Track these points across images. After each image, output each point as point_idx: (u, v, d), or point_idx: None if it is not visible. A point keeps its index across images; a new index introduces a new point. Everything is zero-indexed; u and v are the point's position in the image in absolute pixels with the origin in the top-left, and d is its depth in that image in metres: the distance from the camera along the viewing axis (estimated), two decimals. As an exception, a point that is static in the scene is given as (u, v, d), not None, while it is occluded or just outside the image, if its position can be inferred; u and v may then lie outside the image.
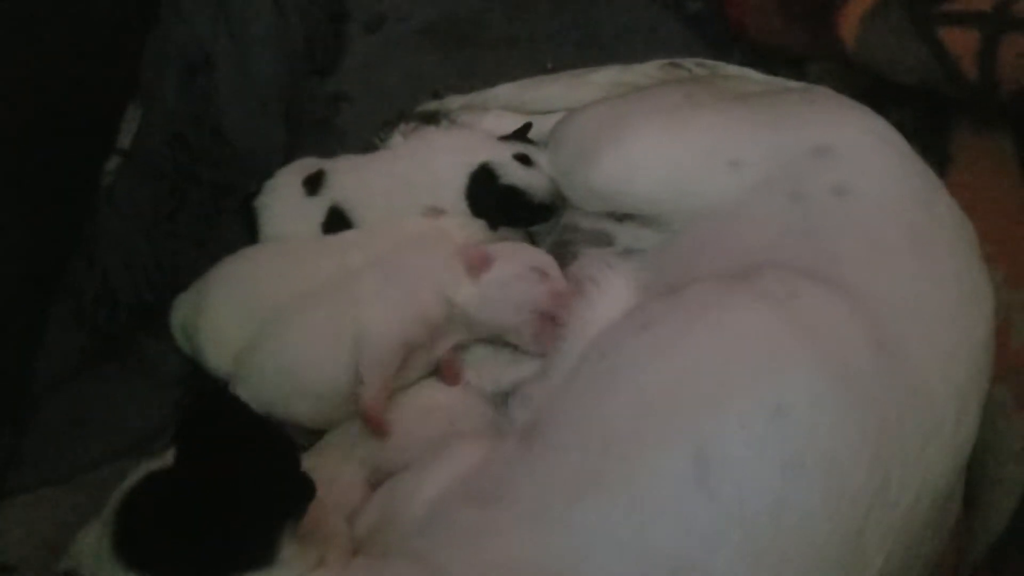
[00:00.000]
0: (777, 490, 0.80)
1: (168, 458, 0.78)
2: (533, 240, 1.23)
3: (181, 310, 1.16)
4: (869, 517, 0.81)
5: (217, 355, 1.12)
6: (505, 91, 1.36)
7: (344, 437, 1.07)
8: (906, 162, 1.02)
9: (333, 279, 1.11)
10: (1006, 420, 1.03)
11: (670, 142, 1.07)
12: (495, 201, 1.18)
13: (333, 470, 1.03)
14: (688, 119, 1.08)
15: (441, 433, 1.04)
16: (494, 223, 1.20)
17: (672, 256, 1.04)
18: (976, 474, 0.99)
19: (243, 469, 0.70)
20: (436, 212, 1.19)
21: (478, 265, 1.09)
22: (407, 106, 1.40)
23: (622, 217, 1.11)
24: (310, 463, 1.02)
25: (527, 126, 1.24)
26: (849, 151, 1.01)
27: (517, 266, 1.10)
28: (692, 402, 0.85)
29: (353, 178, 1.22)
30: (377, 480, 1.03)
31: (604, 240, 1.13)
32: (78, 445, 1.12)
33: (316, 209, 1.21)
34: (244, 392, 1.04)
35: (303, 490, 0.74)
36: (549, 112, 1.32)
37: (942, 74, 1.16)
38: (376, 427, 1.03)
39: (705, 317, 0.90)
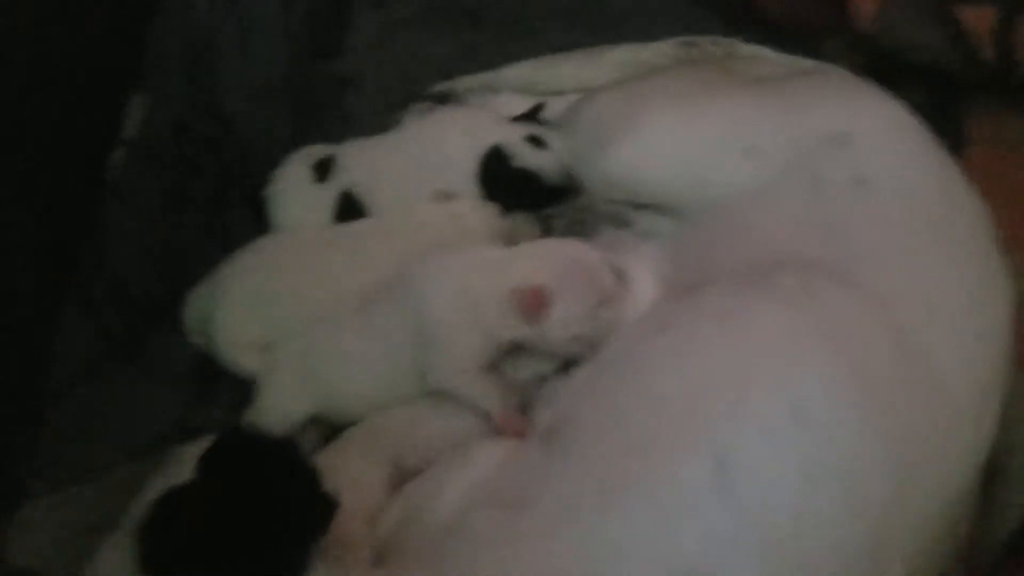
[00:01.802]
0: (798, 498, 0.79)
1: (185, 465, 0.78)
2: (548, 222, 1.22)
3: (195, 305, 1.15)
4: (889, 523, 0.81)
5: (234, 351, 1.12)
6: (517, 71, 1.34)
7: (365, 435, 1.06)
8: (924, 149, 1.01)
9: (361, 278, 1.10)
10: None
11: (685, 130, 1.06)
12: (507, 184, 1.17)
13: (355, 470, 1.01)
14: (703, 106, 1.07)
15: (465, 430, 1.02)
16: (507, 206, 1.18)
17: (690, 248, 1.04)
18: (992, 464, 0.99)
19: (269, 487, 0.69)
20: (447, 196, 1.18)
21: (535, 310, 0.96)
22: (414, 87, 1.37)
23: (639, 205, 1.10)
24: (331, 461, 1.03)
25: (539, 107, 1.22)
26: (867, 139, 1.00)
27: (581, 304, 0.97)
28: (712, 408, 0.84)
29: (363, 162, 1.20)
30: (400, 479, 1.02)
31: (622, 222, 1.13)
32: (94, 446, 1.10)
33: (327, 196, 1.19)
34: (269, 394, 1.03)
35: (328, 507, 0.73)
36: (561, 93, 1.31)
37: (959, 53, 1.15)
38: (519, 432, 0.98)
39: (724, 320, 0.90)
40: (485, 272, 1.00)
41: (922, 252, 0.93)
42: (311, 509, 0.73)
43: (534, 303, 0.96)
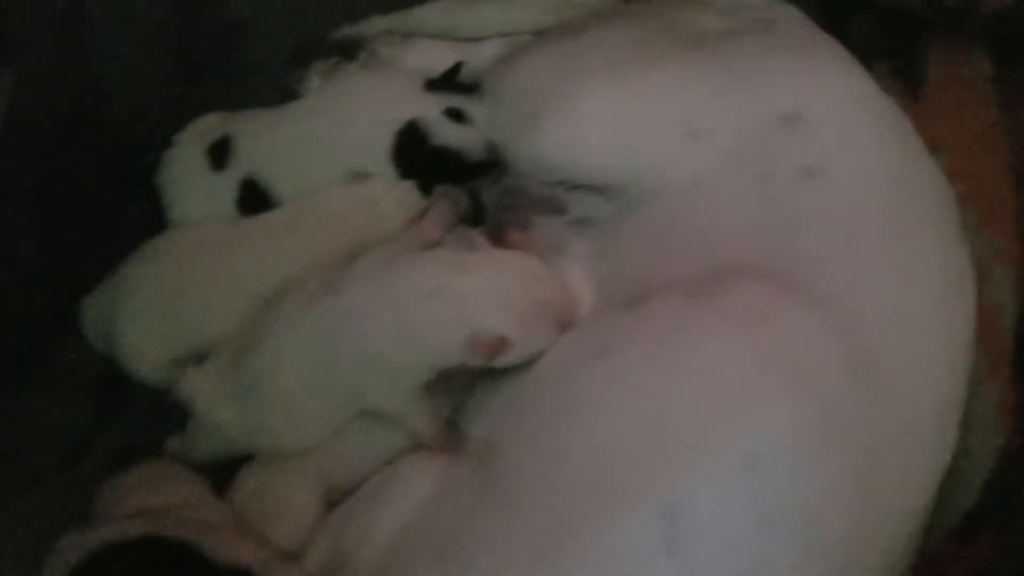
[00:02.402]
0: (752, 550, 0.76)
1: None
2: (475, 194, 1.12)
3: (92, 315, 1.06)
4: (851, 562, 0.79)
5: (145, 366, 1.04)
6: (432, 12, 1.20)
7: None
8: (882, 128, 0.93)
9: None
10: (978, 385, 0.99)
11: (622, 107, 0.96)
12: (426, 164, 1.06)
13: (287, 489, 0.97)
14: (641, 78, 0.97)
15: (396, 446, 0.97)
16: (427, 184, 1.08)
17: (630, 241, 0.96)
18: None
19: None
20: (359, 176, 1.07)
21: (493, 354, 0.89)
22: (318, 29, 1.23)
23: (573, 186, 1.01)
24: (262, 479, 0.99)
25: (457, 67, 1.09)
26: (820, 119, 0.92)
27: (541, 343, 0.91)
28: (658, 451, 0.79)
29: (263, 143, 1.08)
30: (333, 498, 0.97)
31: (555, 207, 1.03)
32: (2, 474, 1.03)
33: (227, 184, 1.07)
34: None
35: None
36: (482, 38, 1.18)
37: (919, -5, 1.04)
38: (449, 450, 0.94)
39: (670, 346, 0.83)
40: (431, 304, 0.91)
41: (881, 257, 0.87)
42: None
43: (493, 350, 0.89)
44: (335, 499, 0.98)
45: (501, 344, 0.89)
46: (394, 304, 0.91)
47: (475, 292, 0.91)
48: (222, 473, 1.00)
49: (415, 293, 0.91)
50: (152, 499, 0.92)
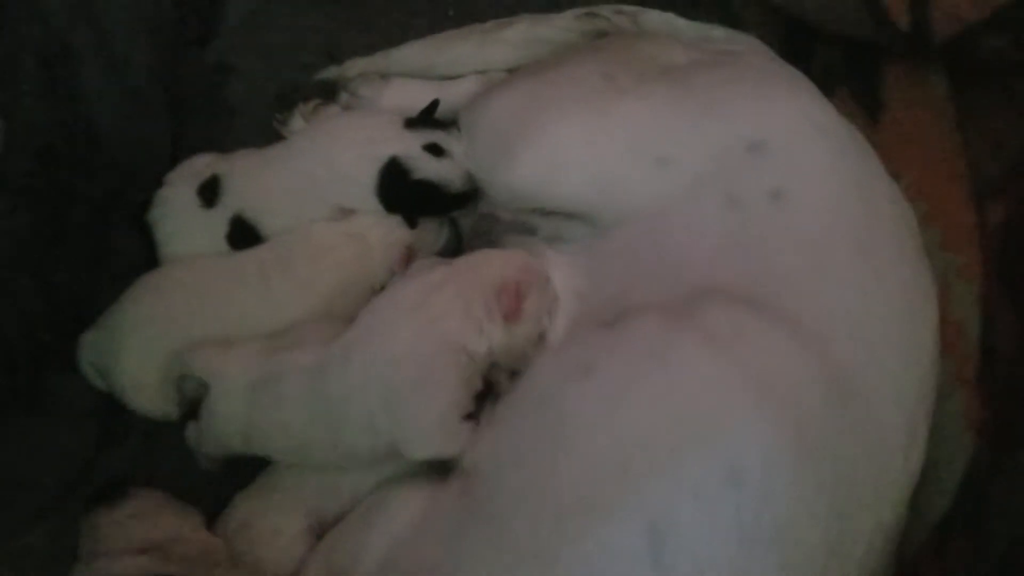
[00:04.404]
0: (735, 563, 0.79)
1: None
2: (455, 223, 1.16)
3: (89, 351, 1.09)
4: (827, 573, 0.81)
5: (143, 400, 1.07)
6: (409, 53, 1.24)
7: (283, 484, 1.02)
8: (843, 152, 0.97)
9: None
10: (947, 395, 1.02)
11: (592, 139, 0.99)
12: (409, 198, 1.10)
13: (274, 523, 1.00)
14: (610, 109, 1.00)
15: (385, 478, 0.99)
16: (410, 218, 1.11)
17: (606, 262, 0.99)
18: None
19: None
20: (346, 212, 1.11)
21: (515, 307, 0.94)
22: (300, 72, 1.27)
23: (546, 212, 1.05)
24: (249, 509, 1.01)
25: (434, 105, 1.13)
26: (783, 146, 0.95)
27: (544, 300, 0.96)
28: (642, 469, 0.82)
29: (251, 182, 1.11)
30: (321, 529, 0.99)
31: (529, 230, 1.07)
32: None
33: (217, 221, 1.11)
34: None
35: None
36: (458, 76, 1.22)
37: (872, 23, 1.09)
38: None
39: (650, 365, 0.86)
40: (438, 298, 0.94)
41: (846, 275, 0.90)
42: None
43: (515, 300, 0.93)
44: (322, 531, 0.99)
45: (518, 290, 0.94)
46: (408, 319, 0.94)
47: (471, 264, 0.97)
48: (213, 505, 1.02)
49: (413, 302, 0.95)
50: (153, 533, 0.94)
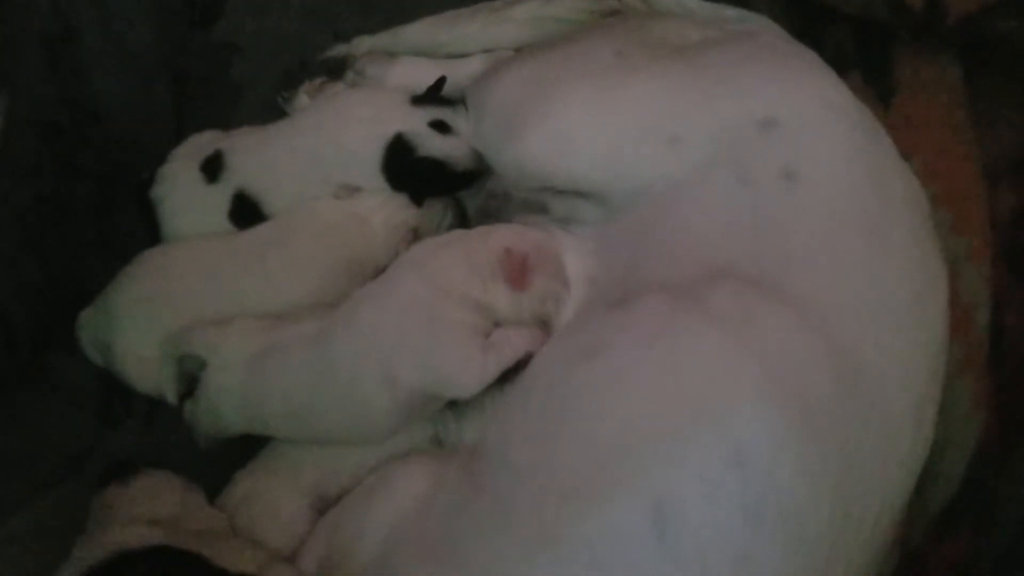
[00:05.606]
0: (739, 543, 0.78)
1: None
2: (460, 205, 1.15)
3: (89, 328, 1.08)
4: (834, 555, 0.81)
5: (142, 378, 1.06)
6: (416, 31, 1.23)
7: (285, 461, 1.01)
8: (856, 132, 0.96)
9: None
10: (955, 380, 1.01)
11: (602, 116, 0.98)
12: (414, 175, 1.09)
13: (276, 500, 0.99)
14: (621, 86, 0.99)
15: (387, 456, 0.98)
16: (416, 196, 1.10)
17: (617, 243, 0.98)
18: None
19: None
20: (350, 190, 1.10)
21: (519, 275, 0.94)
22: (305, 51, 1.26)
23: (557, 191, 1.03)
24: (250, 486, 1.01)
25: (440, 82, 1.12)
26: (796, 125, 0.94)
27: (555, 272, 0.97)
28: (648, 449, 0.81)
29: (255, 158, 1.10)
30: (323, 506, 0.99)
31: (539, 209, 1.06)
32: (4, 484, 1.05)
33: (219, 198, 1.10)
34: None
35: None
36: (466, 54, 1.21)
37: (885, 3, 1.08)
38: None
39: (658, 345, 0.85)
40: (445, 254, 0.96)
41: (857, 257, 0.89)
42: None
43: (520, 267, 0.94)
44: (324, 509, 0.99)
45: (525, 261, 0.94)
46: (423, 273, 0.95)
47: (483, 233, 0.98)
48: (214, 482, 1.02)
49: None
50: (161, 508, 0.94)
